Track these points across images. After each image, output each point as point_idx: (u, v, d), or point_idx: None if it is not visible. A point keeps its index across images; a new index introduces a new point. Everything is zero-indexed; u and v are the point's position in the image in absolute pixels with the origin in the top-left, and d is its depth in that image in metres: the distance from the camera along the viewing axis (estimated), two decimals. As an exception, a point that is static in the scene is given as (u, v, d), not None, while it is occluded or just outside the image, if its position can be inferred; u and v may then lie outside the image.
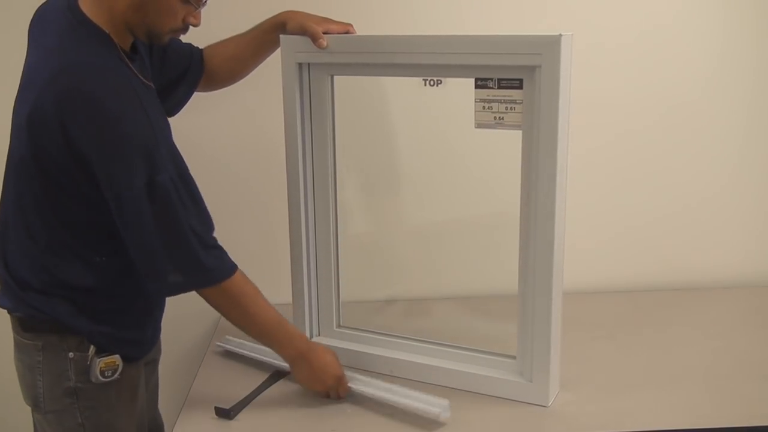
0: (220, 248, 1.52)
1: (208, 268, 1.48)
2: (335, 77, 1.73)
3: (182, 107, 1.76)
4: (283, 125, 1.75)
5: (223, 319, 2.12)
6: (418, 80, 1.65)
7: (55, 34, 1.40)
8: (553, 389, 1.65)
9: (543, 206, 1.54)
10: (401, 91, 1.87)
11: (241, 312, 1.57)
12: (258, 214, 2.19)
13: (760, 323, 2.03)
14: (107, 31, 1.40)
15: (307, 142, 1.76)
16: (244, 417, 1.63)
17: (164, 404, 1.85)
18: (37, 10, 1.50)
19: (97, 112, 1.34)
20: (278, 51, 1.72)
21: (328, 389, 1.65)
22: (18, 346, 1.53)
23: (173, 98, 1.72)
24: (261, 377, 1.78)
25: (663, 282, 2.27)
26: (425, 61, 1.57)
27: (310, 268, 1.84)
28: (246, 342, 1.90)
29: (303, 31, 1.64)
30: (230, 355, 1.90)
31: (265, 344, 1.67)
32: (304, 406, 1.66)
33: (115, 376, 1.51)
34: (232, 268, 1.53)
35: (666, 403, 1.64)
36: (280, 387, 1.74)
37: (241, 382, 1.76)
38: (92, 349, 1.48)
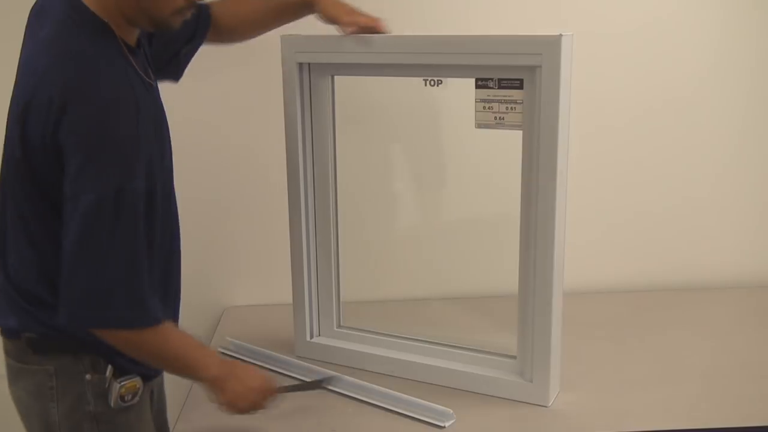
0: (152, 301, 1.35)
1: (147, 306, 1.32)
2: (336, 77, 1.73)
3: (186, 67, 1.69)
4: (284, 125, 1.75)
5: (222, 319, 2.14)
6: (419, 80, 1.65)
7: (51, 25, 1.32)
8: (554, 389, 1.65)
9: (543, 206, 1.54)
10: (402, 91, 1.87)
11: (149, 357, 1.41)
12: (258, 214, 2.19)
13: (760, 323, 2.03)
14: (106, 21, 1.32)
15: (307, 142, 1.76)
16: (241, 417, 1.62)
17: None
18: (33, 8, 1.43)
19: (87, 102, 1.24)
20: (278, 51, 1.72)
21: (251, 405, 1.50)
22: (19, 375, 1.40)
23: (177, 61, 1.64)
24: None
25: (663, 282, 2.27)
26: (426, 61, 1.57)
27: (311, 268, 1.84)
28: (246, 345, 1.90)
29: (332, 22, 1.61)
30: (231, 356, 1.90)
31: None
32: (304, 406, 1.66)
33: (135, 399, 1.42)
34: (158, 319, 1.35)
35: (666, 403, 1.64)
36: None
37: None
38: (110, 369, 1.38)
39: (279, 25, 1.72)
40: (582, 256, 2.03)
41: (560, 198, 1.54)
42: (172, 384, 1.87)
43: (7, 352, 1.41)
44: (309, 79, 1.73)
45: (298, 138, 1.74)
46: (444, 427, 1.56)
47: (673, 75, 2.15)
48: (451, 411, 1.58)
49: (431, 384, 1.72)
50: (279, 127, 1.76)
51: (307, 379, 1.74)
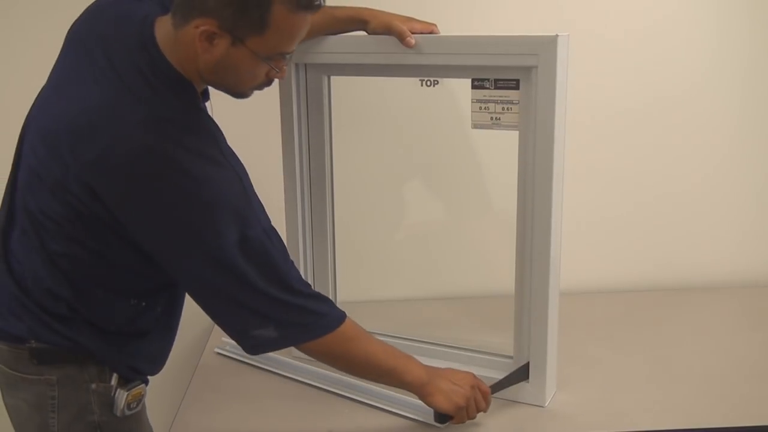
0: (323, 297, 1.41)
1: (319, 314, 1.38)
2: (332, 77, 1.73)
3: None
4: (280, 125, 1.75)
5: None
6: (415, 80, 1.65)
7: (133, 74, 1.26)
8: (550, 389, 1.65)
9: (540, 206, 1.54)
10: (398, 92, 1.87)
11: (349, 362, 1.46)
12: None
13: (757, 323, 2.03)
14: (188, 79, 1.30)
15: (303, 142, 1.76)
16: (238, 417, 1.63)
17: (161, 404, 1.84)
18: (88, 25, 1.37)
19: (182, 175, 1.23)
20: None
21: (467, 400, 1.50)
22: (17, 384, 1.37)
23: None
24: (259, 378, 1.78)
25: (660, 282, 2.28)
26: (422, 61, 1.57)
27: (307, 268, 1.84)
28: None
29: (389, 31, 1.56)
30: (227, 357, 1.90)
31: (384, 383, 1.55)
32: (301, 406, 1.66)
33: (139, 406, 1.42)
34: (340, 317, 1.41)
35: (663, 403, 1.64)
36: (277, 387, 1.74)
37: (238, 384, 1.76)
38: (115, 378, 1.38)
39: (319, 35, 1.66)
40: (578, 256, 2.04)
41: (556, 198, 1.54)
42: (170, 384, 1.87)
43: (10, 362, 1.37)
44: (305, 79, 1.73)
45: (294, 138, 1.74)
46: (441, 426, 1.56)
47: (670, 76, 2.15)
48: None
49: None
50: (275, 128, 1.76)
51: (307, 381, 1.73)
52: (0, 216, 1.40)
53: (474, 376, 1.54)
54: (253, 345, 1.36)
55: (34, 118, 1.38)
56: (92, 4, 1.42)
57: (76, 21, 1.41)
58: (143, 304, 1.39)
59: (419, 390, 1.48)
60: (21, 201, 1.35)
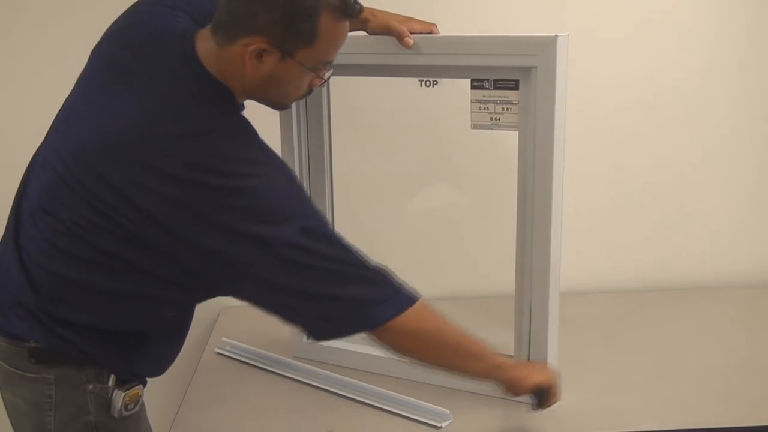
0: (397, 285, 1.37)
1: (396, 288, 1.36)
2: (331, 78, 1.72)
3: None
4: (279, 126, 1.75)
5: (219, 320, 2.14)
6: (414, 81, 1.65)
7: (172, 87, 1.27)
8: (551, 389, 1.65)
9: (540, 206, 1.54)
10: (397, 92, 1.87)
11: (430, 341, 1.41)
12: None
13: (757, 323, 2.03)
14: (231, 89, 1.29)
15: (303, 142, 1.76)
16: (238, 417, 1.63)
17: (161, 404, 1.84)
18: (119, 39, 1.37)
19: (238, 183, 1.23)
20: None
21: (550, 378, 1.47)
22: (16, 381, 1.37)
23: None
24: (259, 378, 1.78)
25: (660, 282, 2.27)
26: (421, 61, 1.57)
27: (307, 268, 1.84)
28: (242, 345, 1.90)
29: (387, 31, 1.57)
30: (227, 357, 1.90)
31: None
32: (300, 406, 1.66)
33: (136, 408, 1.40)
34: (412, 298, 1.37)
35: (664, 403, 1.64)
36: (277, 387, 1.74)
37: (239, 384, 1.76)
38: (112, 379, 1.36)
39: None
40: (578, 256, 2.03)
41: (556, 198, 1.54)
42: (170, 384, 1.87)
43: (1, 357, 1.38)
44: (304, 79, 1.73)
45: (293, 139, 1.74)
46: (441, 427, 1.56)
47: (669, 75, 2.14)
48: (448, 411, 1.59)
49: (428, 384, 1.72)
50: (274, 129, 1.76)
51: (308, 381, 1.74)
52: (11, 212, 1.39)
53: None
54: (326, 337, 1.38)
55: (59, 128, 1.36)
56: (121, 19, 1.42)
57: (104, 38, 1.40)
58: (155, 310, 1.38)
59: (508, 371, 1.44)
60: (37, 204, 1.33)
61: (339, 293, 1.30)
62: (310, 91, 1.36)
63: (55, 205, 1.30)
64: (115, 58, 1.34)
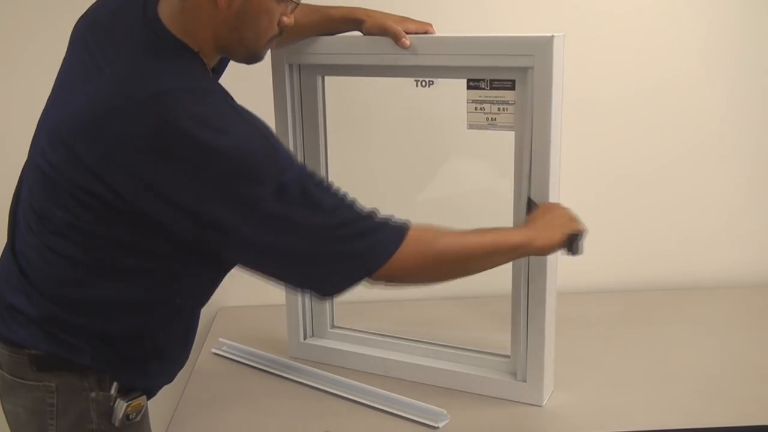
0: (382, 221, 1.32)
1: (385, 226, 1.31)
2: (326, 78, 1.73)
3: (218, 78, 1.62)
4: (274, 126, 1.75)
5: (215, 320, 2.13)
6: (410, 81, 1.64)
7: (135, 54, 1.25)
8: (548, 389, 1.65)
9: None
10: (393, 92, 1.86)
11: (445, 260, 1.35)
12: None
13: (755, 323, 2.03)
14: (197, 48, 1.27)
15: (298, 143, 1.76)
16: (235, 417, 1.63)
17: (158, 405, 1.84)
18: (90, 19, 1.36)
19: (206, 140, 1.18)
20: (268, 52, 1.71)
21: (572, 224, 1.46)
22: (16, 390, 1.35)
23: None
24: (256, 378, 1.78)
25: (657, 281, 2.27)
26: (417, 62, 1.56)
27: (304, 269, 1.84)
28: (239, 345, 1.90)
29: (383, 31, 1.56)
30: (224, 358, 1.90)
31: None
32: (297, 406, 1.66)
33: (138, 417, 1.38)
34: (401, 232, 1.31)
35: (661, 403, 1.64)
36: (275, 387, 1.74)
37: (236, 384, 1.76)
38: (115, 386, 1.35)
39: (314, 35, 1.66)
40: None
41: (552, 198, 1.54)
42: (167, 385, 1.87)
43: (1, 365, 1.36)
44: (299, 80, 1.72)
45: (289, 139, 1.73)
46: (437, 427, 1.56)
47: (666, 75, 2.14)
48: (445, 411, 1.59)
49: (425, 384, 1.72)
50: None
51: (305, 381, 1.74)
52: (9, 219, 1.38)
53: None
54: (324, 294, 1.35)
55: (40, 124, 1.36)
56: (94, 3, 1.41)
57: (77, 23, 1.40)
58: (156, 304, 1.36)
59: (531, 242, 1.41)
60: (29, 206, 1.32)
61: (328, 248, 1.27)
62: (280, 32, 1.34)
63: (44, 205, 1.29)
64: (86, 40, 1.33)
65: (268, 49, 1.38)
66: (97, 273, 1.29)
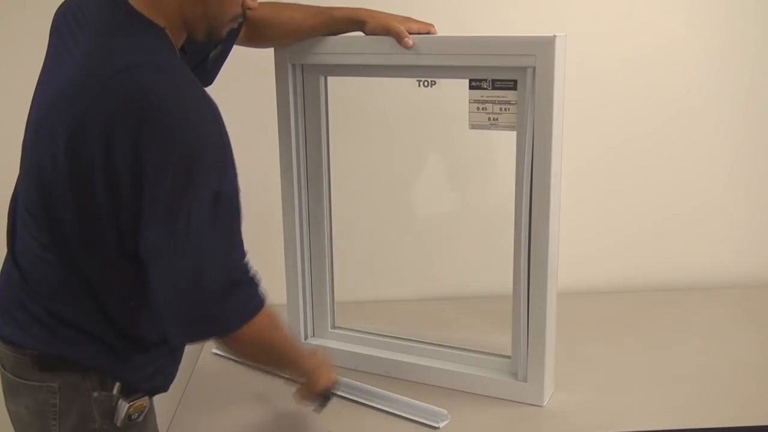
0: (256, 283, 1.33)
1: (255, 295, 1.32)
2: (329, 78, 1.73)
3: (217, 72, 1.64)
4: (277, 126, 1.75)
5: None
6: (412, 81, 1.65)
7: (102, 33, 1.25)
8: (548, 389, 1.65)
9: (537, 206, 1.54)
10: (395, 92, 1.87)
11: (267, 349, 1.41)
12: (252, 215, 2.17)
13: (755, 323, 2.03)
14: (164, 26, 1.26)
15: (300, 143, 1.76)
16: (236, 417, 1.63)
17: (159, 405, 1.83)
18: (62, 8, 1.35)
19: (168, 116, 1.18)
20: (270, 52, 1.72)
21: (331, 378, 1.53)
22: (19, 390, 1.34)
23: (204, 65, 1.58)
24: (256, 378, 1.77)
25: (658, 282, 2.28)
26: (419, 62, 1.57)
27: (305, 268, 1.84)
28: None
29: (386, 31, 1.56)
30: (225, 357, 1.90)
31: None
32: (298, 407, 1.66)
33: (140, 418, 1.37)
34: (263, 299, 1.33)
35: (661, 404, 1.64)
36: (275, 387, 1.74)
37: (236, 384, 1.75)
38: (117, 387, 1.33)
39: (316, 36, 1.66)
40: (576, 256, 2.04)
41: (554, 198, 1.54)
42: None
43: (4, 366, 1.35)
44: (302, 80, 1.73)
45: (291, 139, 1.74)
46: (438, 427, 1.56)
47: (667, 76, 2.15)
48: (446, 411, 1.59)
49: (426, 384, 1.72)
50: (272, 128, 1.75)
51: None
52: (7, 221, 1.37)
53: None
54: (178, 332, 1.30)
55: (27, 121, 1.35)
56: None
57: (54, 14, 1.38)
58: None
59: (311, 375, 1.49)
60: (23, 207, 1.32)
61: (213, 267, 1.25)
62: (243, 14, 1.34)
63: (35, 204, 1.29)
64: (59, 29, 1.33)
65: (228, 28, 1.35)
66: (97, 273, 1.29)
